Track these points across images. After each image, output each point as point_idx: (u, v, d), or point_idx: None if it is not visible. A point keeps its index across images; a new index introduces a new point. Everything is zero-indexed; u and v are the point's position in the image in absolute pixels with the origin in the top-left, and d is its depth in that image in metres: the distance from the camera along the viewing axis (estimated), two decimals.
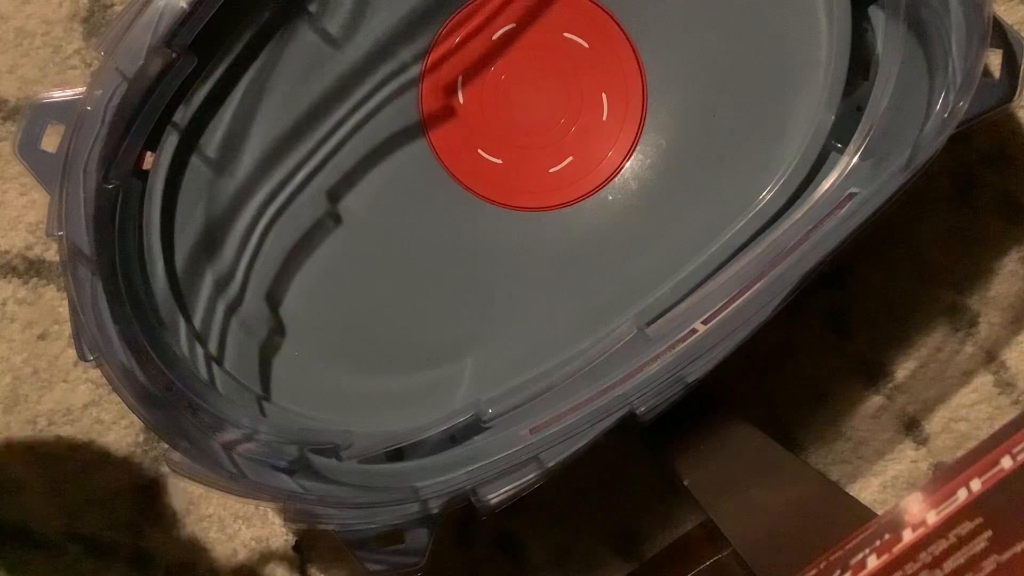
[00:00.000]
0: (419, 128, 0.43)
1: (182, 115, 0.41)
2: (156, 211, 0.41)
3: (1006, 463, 0.25)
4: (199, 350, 0.41)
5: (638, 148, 0.43)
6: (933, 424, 0.48)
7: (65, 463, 0.48)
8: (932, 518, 0.26)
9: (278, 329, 0.43)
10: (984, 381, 0.48)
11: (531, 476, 0.37)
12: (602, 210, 0.43)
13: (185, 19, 0.37)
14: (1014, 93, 0.37)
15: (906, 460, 0.48)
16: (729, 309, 0.37)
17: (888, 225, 0.47)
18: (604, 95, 0.43)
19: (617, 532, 0.49)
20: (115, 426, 0.48)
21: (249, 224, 0.42)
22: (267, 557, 0.48)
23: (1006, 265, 0.47)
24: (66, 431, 0.48)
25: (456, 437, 0.41)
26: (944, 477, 0.26)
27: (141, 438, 0.48)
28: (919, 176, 0.37)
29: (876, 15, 0.41)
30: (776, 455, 0.40)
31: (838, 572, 0.27)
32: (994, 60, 0.37)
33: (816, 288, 0.40)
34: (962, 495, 0.26)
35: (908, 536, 0.26)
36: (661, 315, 0.40)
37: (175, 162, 0.41)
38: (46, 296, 0.48)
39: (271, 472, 0.37)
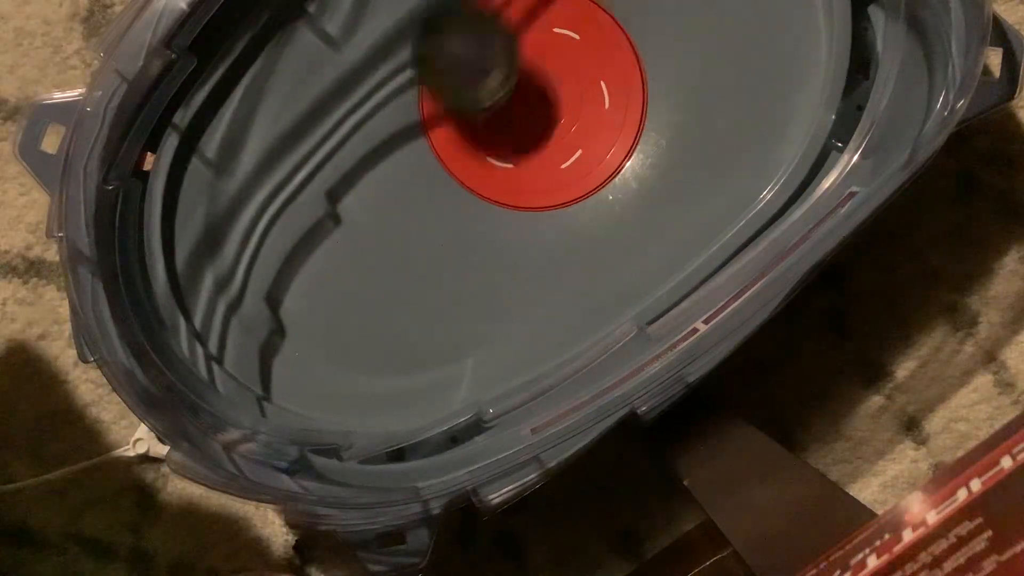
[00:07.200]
0: (419, 128, 0.43)
1: (182, 116, 0.41)
2: (156, 212, 0.41)
3: (1006, 463, 0.25)
4: (199, 350, 0.41)
5: (638, 148, 0.43)
6: (933, 424, 0.48)
7: (65, 463, 0.48)
8: (932, 518, 0.26)
9: (278, 329, 0.43)
10: (984, 381, 0.48)
11: (532, 476, 0.37)
12: (602, 210, 0.43)
13: (185, 20, 0.37)
14: (1014, 92, 0.38)
15: (906, 460, 0.48)
16: (730, 309, 0.37)
17: (888, 225, 0.46)
18: (603, 84, 0.43)
19: (617, 532, 0.49)
20: (115, 426, 0.48)
21: (249, 225, 0.42)
22: (267, 557, 0.48)
23: (1006, 265, 0.47)
24: (66, 431, 0.48)
25: (457, 437, 0.41)
26: (944, 477, 0.26)
27: None
28: (919, 175, 0.37)
29: (876, 15, 0.41)
30: (776, 455, 0.40)
31: (838, 572, 0.27)
32: (994, 59, 0.37)
33: (816, 288, 0.40)
34: (962, 495, 0.26)
35: (908, 536, 0.26)
36: (662, 315, 0.40)
37: (175, 163, 0.41)
38: (46, 296, 0.48)
39: (271, 472, 0.37)
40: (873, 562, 0.26)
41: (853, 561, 0.27)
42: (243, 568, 0.48)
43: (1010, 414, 0.48)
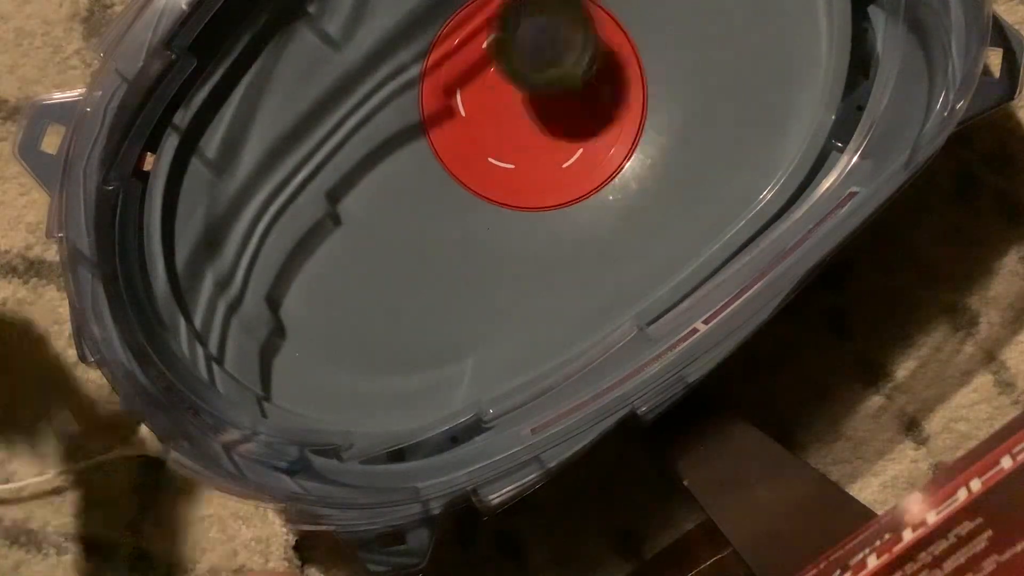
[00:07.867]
0: (419, 129, 0.43)
1: (182, 116, 0.41)
2: (156, 212, 0.41)
3: (1006, 463, 0.25)
4: (199, 351, 0.41)
5: (638, 148, 0.43)
6: (933, 424, 0.48)
7: (65, 463, 0.48)
8: (932, 518, 0.26)
9: (278, 330, 0.43)
10: (984, 381, 0.48)
11: (532, 476, 0.37)
12: (602, 210, 0.43)
13: (185, 20, 0.37)
14: (1014, 92, 0.38)
15: (906, 460, 0.48)
16: (729, 309, 0.37)
17: (888, 225, 0.46)
18: (604, 84, 0.43)
19: (617, 532, 0.49)
20: (115, 426, 0.48)
21: (249, 225, 0.43)
22: (267, 557, 0.48)
23: (1006, 265, 0.47)
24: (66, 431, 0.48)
25: (457, 437, 0.41)
26: (944, 477, 0.26)
27: None
28: (919, 175, 0.37)
29: (876, 15, 0.41)
30: (776, 455, 0.40)
31: (838, 572, 0.27)
32: (994, 59, 0.37)
33: (816, 288, 0.40)
34: (962, 495, 0.26)
35: (908, 536, 0.26)
36: (662, 315, 0.40)
37: (175, 163, 0.41)
38: (46, 296, 0.48)
39: (272, 473, 0.37)
40: (873, 562, 0.26)
41: (853, 561, 0.27)
42: (243, 568, 0.48)
43: (1010, 414, 0.48)
